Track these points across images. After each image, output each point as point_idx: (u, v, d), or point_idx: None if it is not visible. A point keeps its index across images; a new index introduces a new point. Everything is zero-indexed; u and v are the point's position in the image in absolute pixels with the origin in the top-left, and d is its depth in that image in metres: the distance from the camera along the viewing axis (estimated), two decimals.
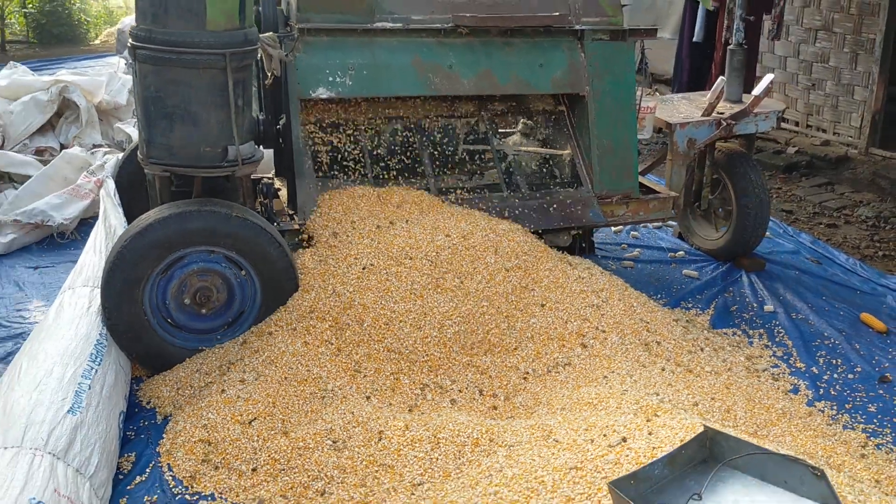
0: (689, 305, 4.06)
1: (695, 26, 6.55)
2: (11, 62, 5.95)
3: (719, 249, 4.61)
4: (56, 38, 13.50)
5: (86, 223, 4.70)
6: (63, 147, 5.30)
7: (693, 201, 4.70)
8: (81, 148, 5.18)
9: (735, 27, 4.61)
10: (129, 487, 2.63)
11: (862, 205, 5.61)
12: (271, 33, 3.36)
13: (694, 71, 6.65)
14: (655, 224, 5.19)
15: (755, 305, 4.09)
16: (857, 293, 4.29)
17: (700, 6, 6.44)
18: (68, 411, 2.50)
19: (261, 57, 3.36)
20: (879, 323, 3.87)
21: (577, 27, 3.92)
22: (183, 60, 2.87)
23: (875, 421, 3.10)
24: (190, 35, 2.87)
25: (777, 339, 3.74)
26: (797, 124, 7.08)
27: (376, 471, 2.60)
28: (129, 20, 10.02)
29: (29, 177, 4.85)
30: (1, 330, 3.68)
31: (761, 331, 3.81)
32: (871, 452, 2.88)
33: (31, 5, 13.68)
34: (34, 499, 2.12)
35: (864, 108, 6.45)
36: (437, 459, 2.58)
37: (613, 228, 5.11)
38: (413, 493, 2.47)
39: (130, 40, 2.95)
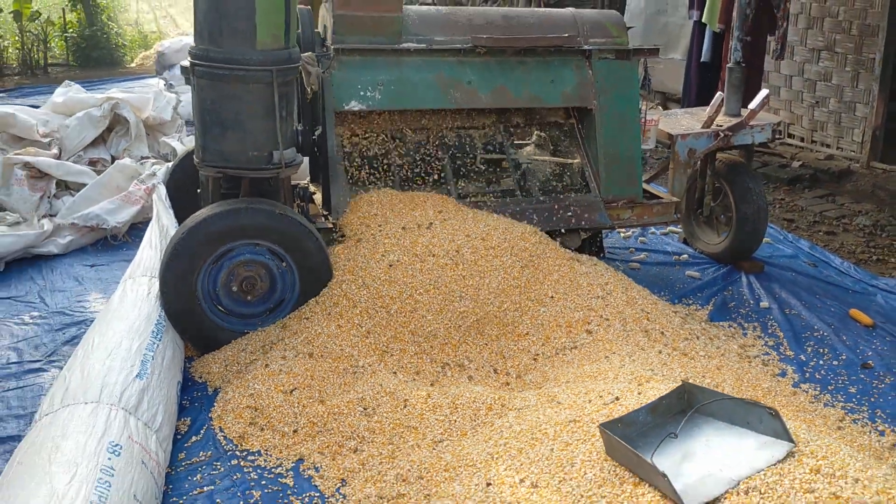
0: (690, 302, 4.40)
1: (702, 47, 6.90)
2: (67, 81, 6.45)
3: (721, 253, 4.93)
4: (95, 60, 14.13)
5: (136, 227, 5.15)
6: (114, 159, 5.76)
7: (696, 208, 5.04)
8: (131, 159, 5.63)
9: (733, 47, 4.97)
10: (186, 445, 3.01)
11: (860, 214, 5.91)
12: (310, 53, 3.79)
13: (702, 89, 6.99)
14: (663, 231, 5.54)
15: (752, 302, 4.42)
16: (849, 292, 4.59)
17: (707, 28, 6.79)
18: (136, 376, 2.90)
19: (302, 74, 3.79)
20: (866, 318, 4.18)
21: (586, 47, 4.31)
22: (235, 76, 3.29)
23: (854, 400, 3.41)
24: (242, 54, 3.30)
25: (770, 331, 4.06)
26: (802, 140, 7.39)
27: (402, 431, 2.96)
28: (167, 43, 10.59)
29: (84, 185, 5.30)
30: (65, 317, 4.10)
31: (756, 324, 4.13)
32: (848, 426, 3.19)
33: (71, 30, 14.36)
34: (113, 442, 2.50)
35: (864, 123, 6.75)
36: (456, 421, 2.94)
37: (622, 234, 5.47)
38: (434, 449, 2.82)
39: (189, 58, 3.38)
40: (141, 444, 2.61)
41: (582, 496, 2.14)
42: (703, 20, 6.78)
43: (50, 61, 13.75)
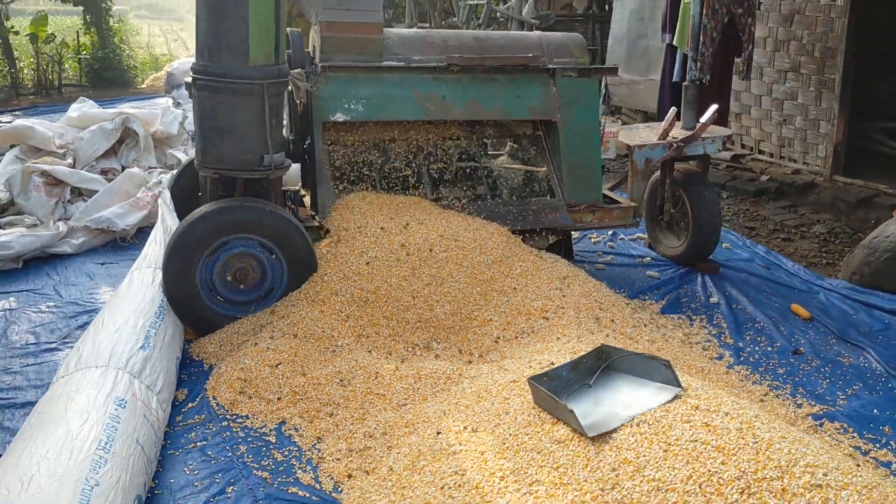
0: (646, 297, 4.81)
1: (674, 69, 7.36)
2: (81, 97, 6.95)
3: (680, 256, 5.35)
4: (107, 81, 14.69)
5: (142, 231, 5.59)
6: (124, 168, 6.23)
7: (658, 215, 5.47)
8: (139, 169, 6.10)
9: (689, 67, 5.42)
10: (183, 410, 3.43)
11: (818, 223, 6.33)
12: (300, 70, 4.25)
13: (671, 106, 7.43)
14: (631, 236, 5.97)
15: (702, 298, 4.83)
16: (795, 291, 4.99)
17: (678, 50, 7.26)
18: (140, 347, 3.33)
19: (291, 89, 4.26)
20: (805, 312, 4.58)
21: (550, 66, 4.76)
22: (231, 88, 3.76)
23: (780, 380, 3.82)
24: (236, 69, 3.76)
25: (715, 322, 4.47)
26: (772, 155, 7.83)
27: (372, 398, 3.38)
28: (176, 64, 11.11)
29: (96, 191, 5.76)
30: (78, 307, 4.54)
31: (703, 316, 4.54)
32: (770, 400, 3.60)
33: (85, 52, 14.95)
34: (119, 397, 2.93)
35: (827, 140, 7.19)
36: (419, 389, 3.36)
37: (592, 239, 5.90)
38: (398, 411, 3.24)
39: (191, 72, 3.85)
40: (143, 401, 3.03)
41: (511, 435, 2.56)
42: (675, 43, 7.25)
43: (64, 82, 14.31)
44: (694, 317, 4.54)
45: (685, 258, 5.31)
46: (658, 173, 5.35)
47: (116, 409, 2.84)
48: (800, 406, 3.55)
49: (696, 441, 2.17)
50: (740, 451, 2.09)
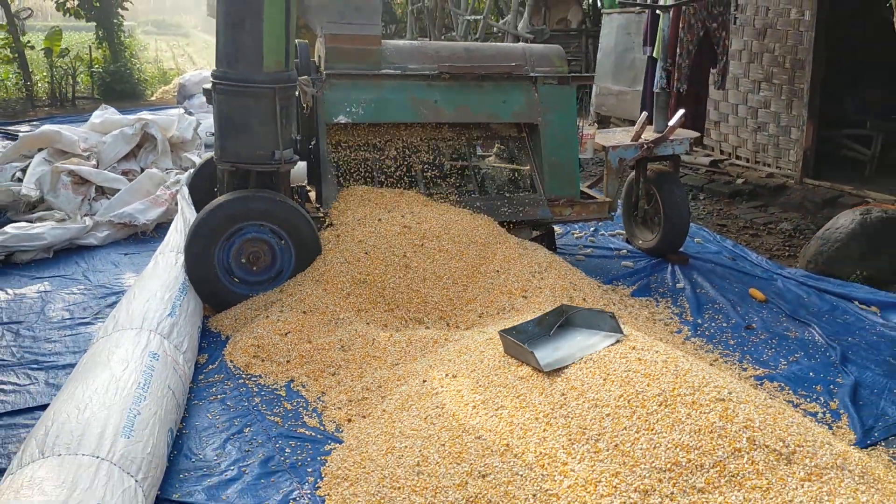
0: (619, 283, 5.31)
1: (654, 78, 7.87)
2: (103, 105, 7.49)
3: (652, 248, 5.84)
4: (118, 94, 15.24)
5: (161, 226, 6.11)
6: (143, 170, 6.75)
7: (633, 211, 5.97)
8: (158, 170, 6.62)
9: (658, 76, 5.95)
10: (204, 371, 3.93)
11: (785, 221, 6.82)
12: (307, 76, 4.78)
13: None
14: (611, 232, 6.47)
15: (670, 284, 5.32)
16: (755, 279, 5.48)
17: (659, 62, 7.77)
18: (168, 315, 3.83)
19: (299, 94, 4.78)
20: (761, 295, 5.07)
21: (532, 74, 5.28)
22: (247, 91, 4.28)
23: (730, 349, 4.30)
24: (252, 75, 4.29)
25: (678, 304, 4.96)
26: (748, 160, 8.34)
27: (369, 360, 3.87)
28: (188, 76, 11.68)
29: (118, 190, 6.29)
30: (106, 289, 5.04)
31: (668, 299, 5.04)
32: (719, 364, 4.08)
33: (97, 66, 15.53)
34: (153, 352, 3.42)
35: (798, 145, 7.70)
36: (409, 351, 3.85)
37: (575, 235, 6.41)
38: (391, 369, 3.73)
39: (212, 78, 4.38)
40: (172, 357, 3.53)
41: (483, 376, 3.05)
42: (654, 55, 7.76)
43: (77, 94, 14.89)
44: (660, 299, 5.03)
45: (658, 250, 5.80)
46: (633, 173, 5.87)
47: (151, 361, 3.33)
48: (745, 369, 4.04)
49: (629, 371, 2.67)
50: (662, 376, 2.58)
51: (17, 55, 14.73)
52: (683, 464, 2.25)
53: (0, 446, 3.27)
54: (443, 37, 14.34)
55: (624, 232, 6.27)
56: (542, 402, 2.71)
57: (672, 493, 2.19)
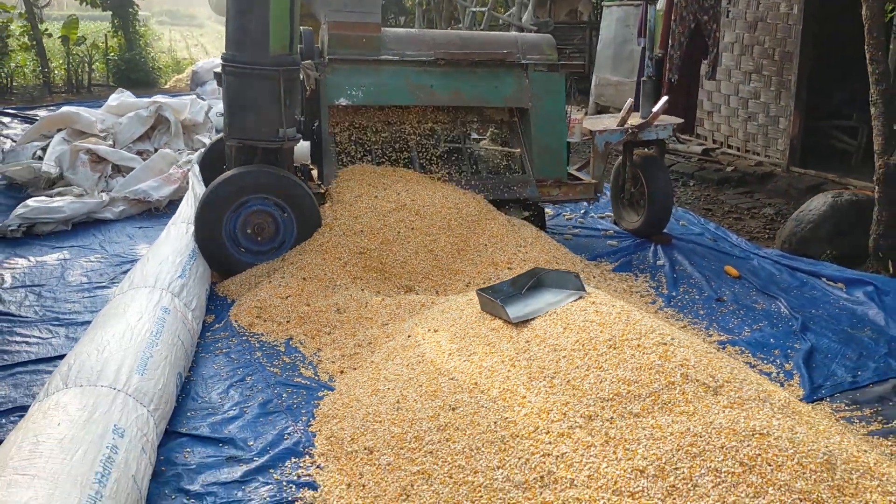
0: (602, 260, 5.62)
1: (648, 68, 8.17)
2: (119, 88, 7.85)
3: (638, 229, 6.15)
4: (132, 81, 15.59)
5: (173, 202, 6.46)
6: (157, 150, 7.11)
7: (620, 193, 6.29)
8: (170, 150, 6.98)
9: (646, 64, 6.24)
10: (211, 328, 4.27)
11: (768, 206, 7.11)
12: (310, 61, 5.11)
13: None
14: (601, 214, 6.79)
15: (651, 261, 5.63)
16: (732, 258, 5.78)
17: (646, 52, 8.07)
18: (179, 276, 4.18)
19: (304, 77, 5.11)
20: (735, 271, 5.38)
21: (524, 62, 5.60)
22: (254, 73, 4.62)
23: (699, 318, 4.62)
24: (258, 58, 4.62)
25: (656, 279, 5.27)
26: (738, 149, 8.62)
27: (362, 321, 4.21)
28: (201, 63, 12.06)
29: (133, 168, 6.65)
30: (121, 258, 5.40)
31: (647, 274, 5.35)
32: (686, 330, 4.40)
33: (112, 54, 15.91)
34: (164, 307, 3.77)
35: (785, 135, 7.98)
36: (399, 313, 4.19)
37: (566, 217, 6.72)
38: (381, 328, 4.07)
39: (221, 61, 4.72)
40: (182, 313, 3.88)
41: (460, 329, 3.38)
42: (648, 46, 8.06)
43: (92, 81, 15.29)
44: (640, 274, 5.35)
45: (643, 231, 6.11)
46: (621, 157, 6.18)
47: (162, 314, 3.68)
48: (710, 335, 4.36)
49: (586, 321, 2.99)
50: (615, 325, 2.91)
51: (35, 43, 15.13)
52: (624, 394, 2.58)
53: (26, 388, 3.63)
54: (450, 28, 14.64)
55: (612, 214, 6.58)
56: (509, 348, 3.04)
57: (612, 418, 2.51)
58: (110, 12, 16.41)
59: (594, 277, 4.97)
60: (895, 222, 5.08)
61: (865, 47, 4.95)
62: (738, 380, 2.63)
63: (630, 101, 5.89)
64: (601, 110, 10.79)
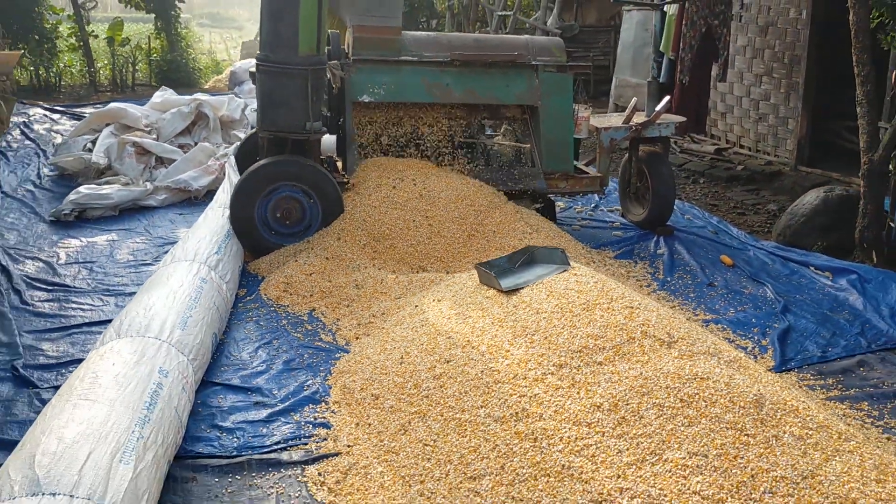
0: (606, 249, 6.02)
1: (661, 70, 8.54)
2: (163, 87, 8.43)
3: (642, 221, 6.53)
4: (174, 82, 16.26)
5: (211, 192, 6.99)
6: (196, 144, 7.66)
7: (626, 188, 6.68)
8: (209, 144, 7.53)
9: (652, 67, 6.62)
10: (243, 300, 4.77)
11: (772, 202, 7.44)
12: (336, 61, 5.59)
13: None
14: (609, 208, 7.18)
15: (652, 250, 6.01)
16: (730, 248, 6.13)
17: (664, 56, 8.44)
18: (215, 252, 4.68)
19: (330, 76, 5.60)
20: (729, 260, 5.74)
21: (534, 63, 6.02)
22: (284, 72, 5.12)
23: (689, 300, 5.00)
24: (289, 58, 5.12)
25: (654, 265, 5.66)
26: (750, 149, 8.94)
27: (377, 295, 4.67)
28: (238, 64, 12.66)
29: (175, 160, 7.20)
30: (164, 240, 5.93)
31: (646, 262, 5.74)
32: (675, 309, 4.79)
33: (155, 55, 16.63)
34: (203, 278, 4.27)
35: (794, 135, 8.29)
36: (411, 288, 4.64)
37: (577, 209, 7.13)
38: (394, 301, 4.53)
39: (256, 61, 5.22)
40: (217, 283, 4.38)
41: (460, 298, 3.83)
42: (661, 49, 8.43)
43: (136, 81, 16.01)
44: (639, 262, 5.74)
45: (647, 223, 6.49)
46: (627, 154, 6.57)
47: (200, 283, 4.18)
48: (696, 315, 4.75)
49: (566, 289, 3.42)
50: (590, 292, 3.33)
51: (81, 44, 15.90)
52: (591, 347, 3.00)
53: (81, 345, 4.15)
54: (477, 31, 15.08)
55: (620, 207, 6.97)
56: (499, 311, 3.48)
57: (579, 366, 2.94)
58: (153, 15, 17.13)
59: (594, 263, 5.38)
60: (879, 215, 5.40)
61: (852, 50, 5.28)
62: (691, 337, 3.04)
63: (635, 99, 6.29)
64: (620, 111, 11.14)
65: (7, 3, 14.62)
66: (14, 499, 2.34)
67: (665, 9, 8.28)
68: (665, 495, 2.35)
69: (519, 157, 6.22)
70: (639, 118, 6.34)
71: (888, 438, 3.37)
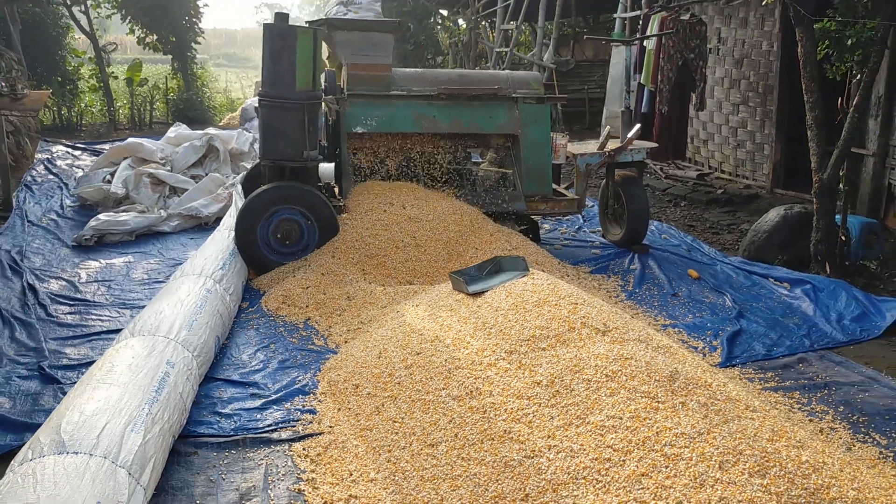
0: (582, 265, 6.49)
1: (642, 101, 9.06)
2: (177, 122, 9.06)
3: (620, 240, 7.01)
4: (190, 119, 16.98)
5: (220, 218, 7.53)
6: (207, 175, 8.24)
7: (605, 209, 7.16)
8: (219, 174, 8.11)
9: (626, 97, 7.15)
10: (244, 311, 5.27)
11: (747, 223, 7.89)
12: (333, 96, 6.16)
13: (644, 132, 9.11)
14: (592, 230, 7.66)
15: (625, 266, 6.47)
16: (700, 263, 6.59)
17: (645, 88, 8.97)
18: (220, 268, 5.20)
19: (327, 110, 6.16)
20: (696, 273, 6.19)
21: (514, 95, 6.57)
22: (283, 106, 5.68)
23: (652, 308, 5.45)
24: (287, 93, 5.68)
25: (625, 279, 6.12)
26: (730, 174, 9.42)
27: (366, 305, 5.16)
28: (250, 100, 13.30)
29: (187, 190, 7.78)
30: (176, 261, 6.46)
31: (619, 276, 6.20)
32: (639, 317, 5.24)
33: (172, 94, 17.39)
34: (208, 289, 4.78)
35: (769, 160, 8.76)
36: (396, 298, 5.13)
37: (561, 231, 7.61)
38: (381, 310, 5.01)
39: (258, 96, 5.79)
40: (221, 294, 4.89)
41: (434, 302, 4.31)
42: (642, 81, 8.97)
43: (154, 119, 16.74)
44: (612, 276, 6.20)
45: (624, 242, 6.96)
46: (605, 178, 7.06)
47: (206, 294, 4.70)
48: (657, 320, 5.20)
49: (524, 290, 3.89)
50: (542, 292, 3.81)
51: (102, 84, 16.70)
52: (537, 336, 3.47)
53: (100, 350, 4.66)
54: (477, 67, 15.73)
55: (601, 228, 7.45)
56: (465, 311, 3.97)
57: (526, 352, 3.41)
58: (171, 56, 17.94)
59: (569, 276, 5.85)
60: (830, 230, 5.85)
61: (801, 80, 5.78)
62: (625, 327, 3.51)
63: (608, 128, 6.81)
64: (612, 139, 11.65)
65: (32, 47, 15.45)
66: (44, 456, 2.83)
67: (644, 43, 8.83)
68: (584, 449, 2.81)
69: (502, 181, 6.73)
70: (613, 145, 6.84)
71: (810, 420, 3.80)
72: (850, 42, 5.39)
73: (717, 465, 2.66)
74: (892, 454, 3.49)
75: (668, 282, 6.05)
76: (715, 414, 2.94)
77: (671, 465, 2.68)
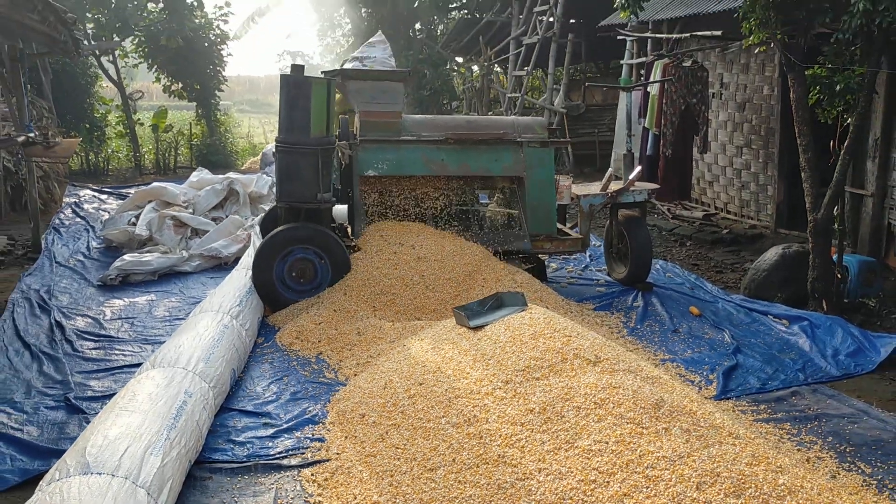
0: (587, 302, 6.69)
1: (647, 144, 9.32)
2: (199, 167, 9.44)
3: (624, 278, 7.20)
4: (213, 163, 17.47)
5: (239, 258, 7.84)
6: (228, 217, 8.57)
7: (609, 248, 7.38)
8: (239, 217, 8.44)
9: (627, 140, 7.41)
10: (261, 347, 5.52)
11: (749, 262, 8.06)
12: (346, 141, 6.47)
13: (650, 174, 9.36)
14: (598, 268, 7.87)
15: (629, 303, 6.67)
16: (702, 301, 6.77)
17: (649, 131, 9.23)
18: (237, 305, 5.47)
19: (340, 154, 6.47)
20: (696, 310, 6.37)
21: (519, 139, 6.85)
22: (299, 151, 6.00)
23: (652, 343, 5.63)
24: (302, 139, 6.00)
25: (628, 315, 6.31)
26: (735, 214, 9.61)
27: (376, 340, 5.39)
28: (270, 146, 13.72)
29: (208, 231, 8.10)
30: (196, 299, 6.74)
31: (622, 312, 6.39)
32: (639, 352, 5.42)
33: (195, 140, 17.92)
34: (225, 324, 5.04)
35: (772, 200, 8.96)
36: (405, 333, 5.35)
37: (568, 270, 7.83)
38: (389, 344, 5.24)
39: (275, 143, 6.12)
40: (237, 330, 5.15)
41: (438, 336, 4.54)
42: (646, 125, 9.24)
43: (178, 164, 17.24)
44: (615, 312, 6.39)
45: (628, 280, 7.16)
46: (609, 218, 7.30)
47: (223, 329, 4.95)
48: (656, 355, 5.38)
49: (521, 324, 4.11)
50: (538, 325, 4.02)
51: (128, 131, 17.28)
52: (532, 366, 3.68)
53: (123, 382, 4.91)
54: (490, 112, 16.11)
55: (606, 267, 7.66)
56: (466, 344, 4.19)
57: (521, 382, 3.61)
58: (195, 103, 18.53)
59: (572, 313, 6.05)
60: (826, 268, 6.03)
61: (794, 124, 6.01)
62: (616, 358, 3.71)
63: (610, 170, 7.06)
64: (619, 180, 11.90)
65: (62, 95, 16.06)
66: (70, 476, 3.07)
67: (648, 89, 9.12)
68: (571, 471, 3.00)
69: (509, 221, 6.99)
70: (615, 186, 7.09)
71: (798, 449, 3.96)
72: (838, 87, 5.63)
73: (694, 486, 2.85)
74: (875, 482, 3.63)
75: (669, 318, 6.22)
76: (696, 439, 3.13)
77: (651, 485, 2.87)
